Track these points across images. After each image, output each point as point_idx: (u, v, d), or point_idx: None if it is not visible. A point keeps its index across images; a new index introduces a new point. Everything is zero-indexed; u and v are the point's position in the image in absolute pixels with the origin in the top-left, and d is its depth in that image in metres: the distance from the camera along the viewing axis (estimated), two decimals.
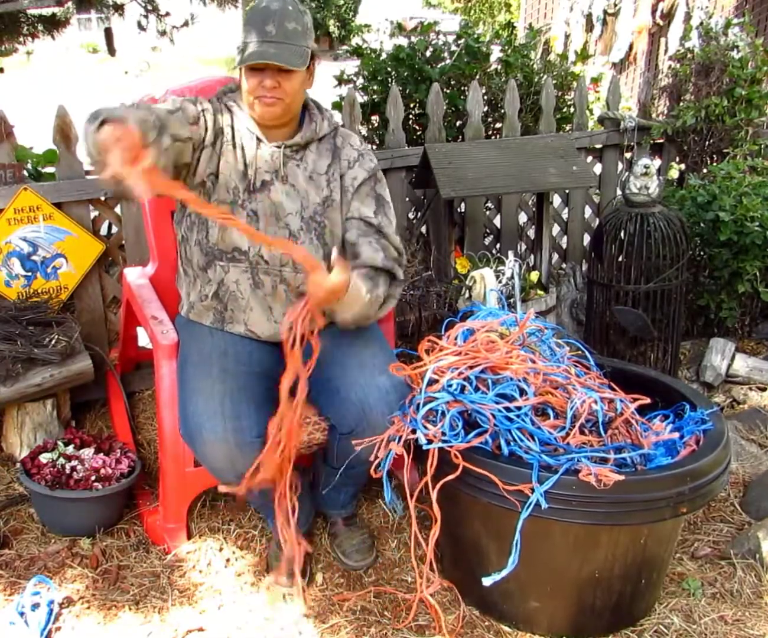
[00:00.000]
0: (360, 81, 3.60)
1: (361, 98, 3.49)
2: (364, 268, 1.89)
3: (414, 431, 1.80)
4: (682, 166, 3.90)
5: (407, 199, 3.37)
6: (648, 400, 1.99)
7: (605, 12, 9.67)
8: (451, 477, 1.75)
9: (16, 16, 4.67)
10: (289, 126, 1.98)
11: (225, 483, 1.98)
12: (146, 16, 5.01)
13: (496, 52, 3.72)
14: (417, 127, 3.61)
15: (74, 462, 2.24)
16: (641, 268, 2.81)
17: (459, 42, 3.64)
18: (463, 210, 3.45)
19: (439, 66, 3.54)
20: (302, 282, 1.85)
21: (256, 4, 1.88)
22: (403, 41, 3.69)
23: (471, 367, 1.86)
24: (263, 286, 1.96)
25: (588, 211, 3.84)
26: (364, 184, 2.02)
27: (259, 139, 1.95)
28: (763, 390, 2.97)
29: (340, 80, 3.60)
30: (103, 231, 3.03)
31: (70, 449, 2.31)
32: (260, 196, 1.95)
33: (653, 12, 9.15)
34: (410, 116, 3.58)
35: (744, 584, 2.03)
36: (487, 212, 3.59)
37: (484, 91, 3.48)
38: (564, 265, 3.67)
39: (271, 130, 1.96)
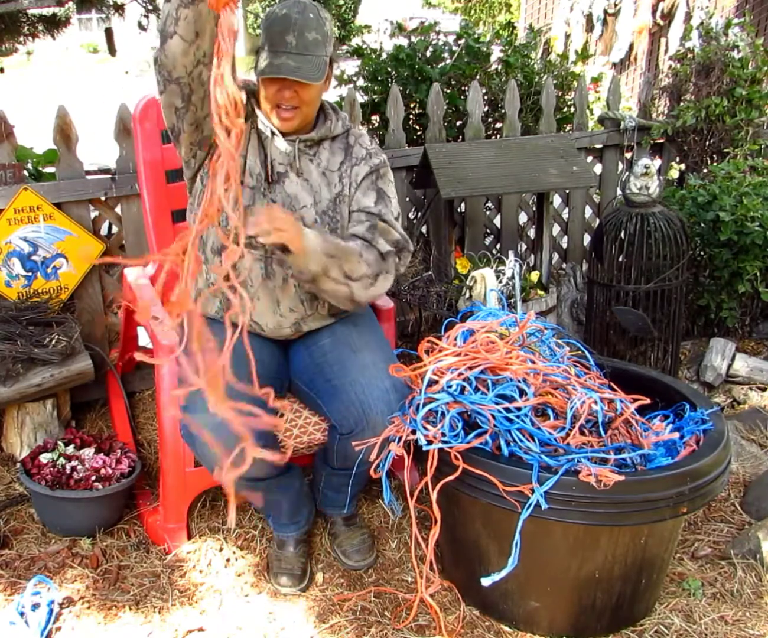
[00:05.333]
0: (360, 81, 3.61)
1: (361, 98, 3.50)
2: (352, 237, 1.94)
3: (414, 432, 1.79)
4: (682, 166, 3.90)
5: (407, 199, 3.36)
6: (648, 400, 1.99)
7: (605, 12, 9.67)
8: (451, 478, 1.74)
9: (16, 16, 4.66)
10: (304, 126, 1.98)
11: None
12: (147, 16, 4.99)
13: (496, 52, 3.73)
14: (417, 127, 3.61)
15: (74, 462, 2.24)
16: (641, 268, 2.81)
17: (459, 42, 3.65)
18: (463, 210, 3.45)
19: (439, 66, 3.54)
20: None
21: (276, 9, 1.86)
22: (403, 41, 3.69)
23: (471, 368, 1.86)
24: (274, 278, 1.96)
25: (588, 211, 3.84)
26: (366, 179, 2.03)
27: (273, 133, 1.96)
28: (763, 390, 2.97)
29: (341, 80, 3.60)
30: (103, 231, 3.02)
31: (71, 449, 2.31)
32: (278, 187, 1.96)
33: (653, 12, 9.15)
34: (410, 116, 3.58)
35: (744, 584, 2.03)
36: (487, 212, 3.59)
37: (484, 91, 3.48)
38: (564, 265, 3.67)
39: None
